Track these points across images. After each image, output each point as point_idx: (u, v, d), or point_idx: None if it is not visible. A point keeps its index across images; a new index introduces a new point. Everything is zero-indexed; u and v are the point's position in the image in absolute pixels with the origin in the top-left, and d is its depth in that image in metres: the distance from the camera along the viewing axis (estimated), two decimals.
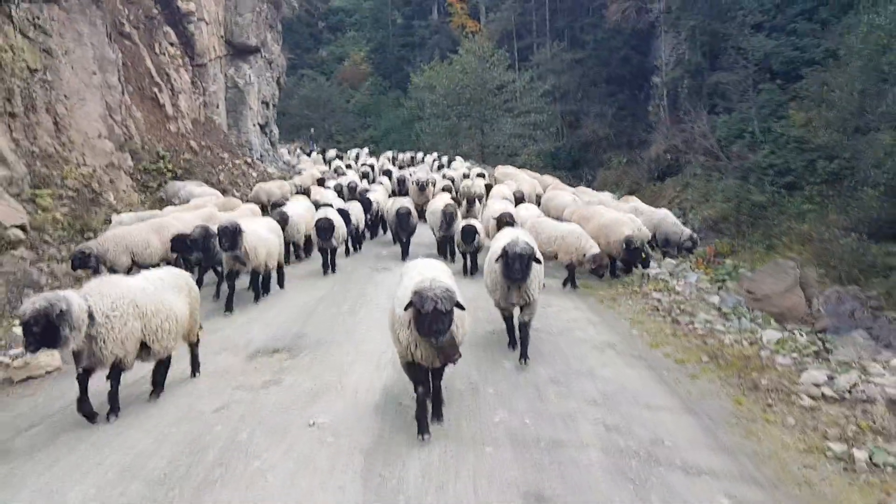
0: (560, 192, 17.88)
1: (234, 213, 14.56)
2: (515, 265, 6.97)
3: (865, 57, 25.75)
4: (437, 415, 5.93)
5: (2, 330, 9.59)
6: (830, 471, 5.06)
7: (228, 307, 9.90)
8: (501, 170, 24.24)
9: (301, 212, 14.56)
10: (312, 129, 43.93)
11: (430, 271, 6.02)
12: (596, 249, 11.15)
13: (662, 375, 7.00)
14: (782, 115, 33.50)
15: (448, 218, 13.77)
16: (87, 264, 11.11)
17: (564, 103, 44.00)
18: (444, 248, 14.33)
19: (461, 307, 5.47)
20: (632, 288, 11.18)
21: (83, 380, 5.93)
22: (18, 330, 9.63)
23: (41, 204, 14.17)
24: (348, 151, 34.99)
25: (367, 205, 17.10)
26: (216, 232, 10.12)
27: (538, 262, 7.21)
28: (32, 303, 5.60)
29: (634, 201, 17.25)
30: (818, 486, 4.83)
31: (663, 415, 6.00)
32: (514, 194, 18.11)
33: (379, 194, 19.01)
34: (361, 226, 16.14)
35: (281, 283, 11.66)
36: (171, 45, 23.43)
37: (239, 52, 27.13)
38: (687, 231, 14.30)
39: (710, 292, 11.30)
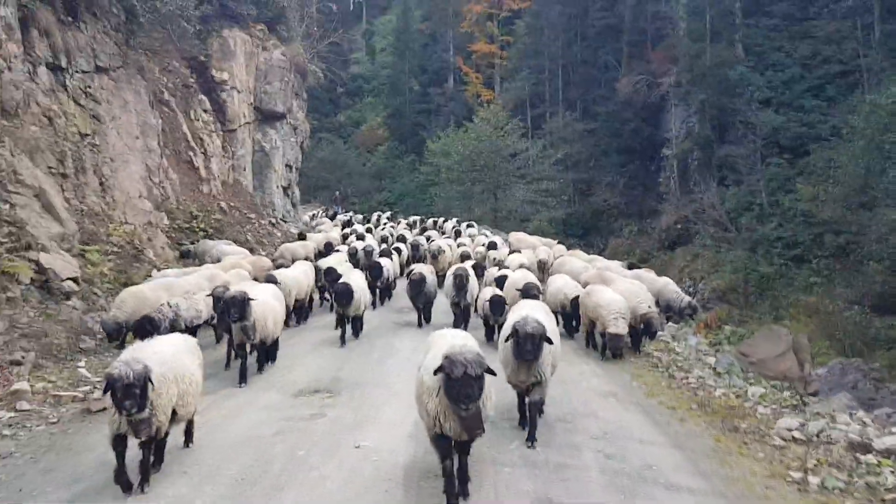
0: (572, 258, 19.21)
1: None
2: (527, 345, 6.96)
3: (867, 136, 27.38)
4: (464, 493, 5.90)
5: (67, 371, 10.94)
6: (787, 490, 6.31)
7: (242, 378, 9.81)
8: (515, 235, 25.73)
9: (295, 275, 14.76)
10: (338, 192, 45.89)
11: (459, 339, 6.12)
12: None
13: (655, 418, 8.28)
14: (790, 188, 35.03)
15: (458, 282, 13.38)
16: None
17: (576, 172, 45.90)
18: (458, 318, 13.62)
19: (492, 372, 5.59)
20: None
21: (123, 450, 5.96)
22: (83, 370, 11.03)
23: (90, 259, 15.73)
24: (373, 215, 36.61)
25: (377, 272, 16.80)
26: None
27: (549, 342, 7.18)
28: (128, 364, 5.75)
29: (637, 270, 18.53)
30: (774, 501, 6.08)
31: (653, 448, 7.27)
32: (537, 262, 19.44)
33: (390, 260, 18.73)
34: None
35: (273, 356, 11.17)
36: (205, 111, 25.46)
37: (266, 118, 29.23)
38: (686, 298, 15.57)
39: (707, 353, 12.59)
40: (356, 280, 13.59)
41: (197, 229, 20.88)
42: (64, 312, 13.50)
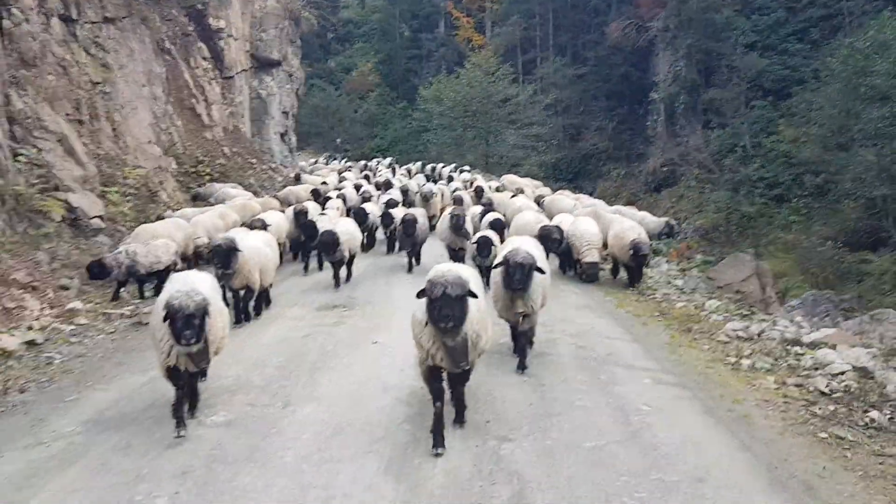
0: (561, 197, 20.69)
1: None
2: (516, 275, 7.10)
3: (844, 79, 28.62)
4: (460, 420, 6.18)
5: (108, 294, 12.41)
6: (723, 370, 7.93)
7: (238, 319, 9.83)
8: (507, 178, 27.14)
9: (278, 220, 15.11)
10: (339, 139, 46.88)
11: (446, 266, 6.03)
12: None
13: (622, 322, 9.91)
14: (772, 131, 36.37)
15: (455, 222, 13.12)
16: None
17: (566, 116, 47.00)
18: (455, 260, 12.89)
19: (473, 295, 5.61)
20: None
21: (187, 382, 6.23)
22: (123, 294, 12.51)
23: (111, 199, 17.10)
24: (373, 161, 37.54)
25: (362, 217, 16.58)
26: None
27: (540, 271, 7.38)
28: (188, 295, 5.83)
29: (619, 207, 20.05)
30: (711, 376, 7.70)
31: (617, 342, 8.89)
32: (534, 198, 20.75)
33: (375, 206, 18.73)
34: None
35: (265, 304, 10.99)
36: (204, 59, 26.45)
37: (262, 65, 30.22)
38: (664, 220, 17.12)
39: (676, 277, 14.19)
40: (344, 226, 13.43)
41: (203, 173, 22.19)
42: (94, 248, 14.96)
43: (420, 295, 5.61)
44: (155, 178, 19.89)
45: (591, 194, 38.77)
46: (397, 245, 16.64)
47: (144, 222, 17.17)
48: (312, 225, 14.52)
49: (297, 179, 27.16)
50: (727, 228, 34.44)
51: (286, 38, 31.63)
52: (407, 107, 55.26)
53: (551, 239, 11.70)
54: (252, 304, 10.33)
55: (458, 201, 20.11)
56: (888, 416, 6.43)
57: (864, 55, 28.25)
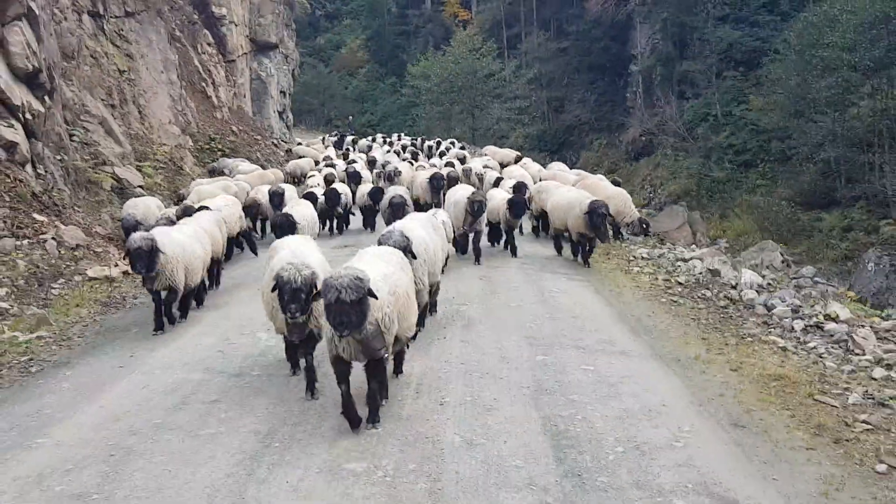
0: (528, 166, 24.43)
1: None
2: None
3: (799, 51, 32.34)
4: (372, 419, 6.04)
5: None
6: (619, 273, 11.78)
7: (159, 326, 9.54)
8: (489, 149, 30.91)
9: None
10: (350, 117, 50.24)
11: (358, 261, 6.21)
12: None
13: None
14: (742, 100, 40.07)
15: (476, 208, 12.54)
16: None
17: (550, 90, 50.60)
18: (465, 247, 13.41)
19: (373, 295, 5.42)
20: None
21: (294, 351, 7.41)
22: None
23: (146, 172, 20.83)
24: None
25: (334, 198, 17.29)
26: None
27: (413, 256, 7.70)
28: (297, 269, 6.19)
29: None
30: (608, 276, 11.54)
31: (551, 261, 12.75)
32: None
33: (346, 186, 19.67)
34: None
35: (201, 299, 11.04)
36: (209, 45, 30.05)
37: (261, 48, 33.83)
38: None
39: None
40: (300, 210, 13.78)
41: (216, 149, 25.91)
42: None
43: (315, 297, 5.68)
44: (177, 154, 23.64)
45: (574, 163, 42.60)
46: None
47: (175, 191, 21.01)
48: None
49: (289, 154, 30.85)
50: (698, 193, 38.27)
51: (282, 22, 35.22)
52: (396, 82, 58.81)
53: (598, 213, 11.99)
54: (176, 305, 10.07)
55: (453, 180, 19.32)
56: (714, 293, 10.36)
57: (817, 29, 31.96)
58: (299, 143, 35.74)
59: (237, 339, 8.98)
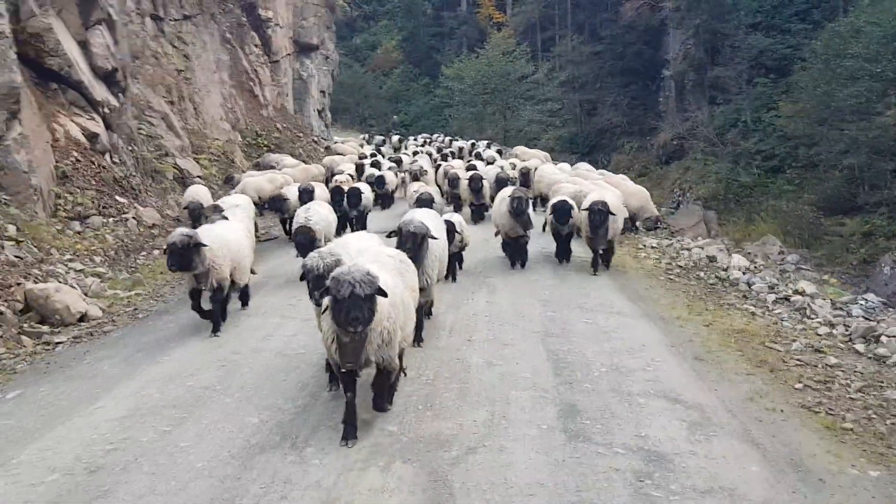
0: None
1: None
2: (407, 244, 7.84)
3: (824, 60, 33.90)
4: (381, 406, 6.55)
5: None
6: (627, 258, 13.76)
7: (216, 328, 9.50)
8: (519, 149, 32.89)
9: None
10: (395, 115, 52.55)
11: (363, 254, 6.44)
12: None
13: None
14: (772, 106, 41.58)
15: (518, 206, 12.09)
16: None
17: (583, 92, 52.39)
18: (514, 256, 12.99)
19: (383, 293, 5.55)
20: None
21: None
22: None
23: (202, 164, 23.19)
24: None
25: (355, 199, 16.96)
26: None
27: (434, 237, 8.21)
28: (321, 256, 6.82)
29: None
30: (618, 260, 13.53)
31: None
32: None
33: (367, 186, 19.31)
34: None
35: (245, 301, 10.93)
36: (256, 46, 32.47)
37: (303, 49, 36.22)
38: None
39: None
40: (318, 215, 12.49)
41: (262, 145, 28.26)
42: None
43: (324, 294, 5.59)
44: (228, 148, 26.00)
45: (606, 166, 44.39)
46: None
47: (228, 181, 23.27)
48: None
49: (328, 150, 33.07)
50: (726, 197, 39.90)
51: (323, 25, 37.60)
52: (429, 83, 61.06)
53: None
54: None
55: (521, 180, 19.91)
56: (707, 273, 12.32)
57: (843, 39, 33.52)
58: (336, 141, 38.07)
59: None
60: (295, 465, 5.64)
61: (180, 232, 9.11)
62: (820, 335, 9.01)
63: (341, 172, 23.29)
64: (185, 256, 8.90)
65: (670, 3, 48.34)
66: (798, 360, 8.09)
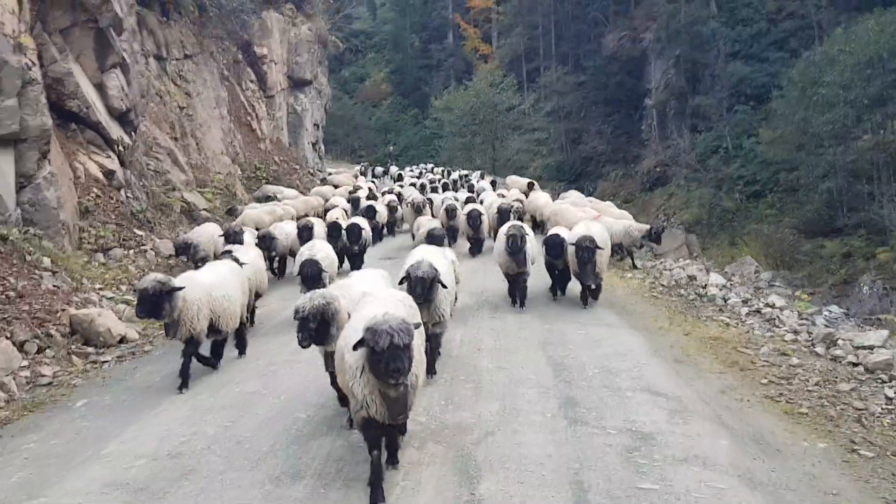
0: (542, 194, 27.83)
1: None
2: (417, 288, 7.92)
3: (800, 88, 35.70)
4: (393, 461, 6.46)
5: None
6: (615, 278, 15.11)
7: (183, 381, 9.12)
8: (510, 178, 34.39)
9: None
10: (392, 146, 54.14)
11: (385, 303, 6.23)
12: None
13: None
14: (752, 133, 43.38)
15: (513, 244, 12.02)
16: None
17: (568, 122, 54.16)
18: (514, 292, 12.95)
19: (418, 326, 5.75)
20: None
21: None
22: None
23: (207, 197, 24.46)
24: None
25: (355, 234, 16.74)
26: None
27: (443, 285, 8.29)
28: (310, 299, 6.92)
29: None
30: (607, 282, 14.88)
31: None
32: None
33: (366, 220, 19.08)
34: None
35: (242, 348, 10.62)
36: (252, 82, 33.94)
37: (297, 84, 37.73)
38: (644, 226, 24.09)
39: None
40: (323, 251, 12.28)
41: (261, 177, 29.60)
42: None
43: (358, 346, 5.38)
44: (229, 181, 27.31)
45: (591, 193, 46.02)
46: None
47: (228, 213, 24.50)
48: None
49: (324, 182, 34.50)
50: (709, 222, 41.49)
51: (316, 60, 39.18)
52: (418, 114, 62.84)
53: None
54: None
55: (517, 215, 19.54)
56: (687, 291, 13.70)
57: (818, 67, 35.37)
58: (330, 173, 39.47)
59: None
60: (344, 449, 6.90)
61: (152, 277, 8.80)
62: (786, 341, 10.35)
63: (334, 207, 23.81)
64: (155, 304, 8.62)
65: (651, 35, 50.45)
66: (765, 361, 9.42)
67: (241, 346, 10.61)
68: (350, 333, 5.87)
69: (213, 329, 9.46)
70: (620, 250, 16.58)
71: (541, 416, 7.54)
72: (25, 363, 10.34)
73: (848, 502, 5.85)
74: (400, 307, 6.33)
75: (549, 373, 8.96)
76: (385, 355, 5.16)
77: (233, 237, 15.24)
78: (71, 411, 8.70)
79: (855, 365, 9.14)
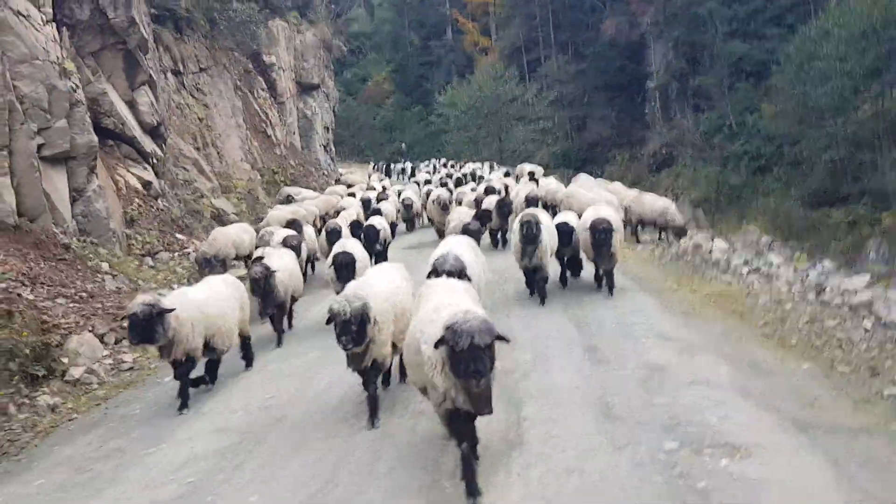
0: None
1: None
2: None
3: (797, 63, 36.94)
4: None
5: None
6: (627, 250, 16.55)
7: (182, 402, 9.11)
8: (521, 167, 35.78)
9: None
10: (403, 144, 55.63)
11: (456, 297, 6.28)
12: None
13: None
14: (754, 109, 44.56)
15: (529, 231, 11.72)
16: None
17: (571, 109, 55.44)
18: (533, 288, 12.77)
19: (504, 339, 5.47)
20: None
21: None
22: None
23: (232, 202, 26.02)
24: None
25: (372, 235, 16.36)
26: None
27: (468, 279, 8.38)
28: (347, 300, 7.00)
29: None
30: (633, 258, 16.33)
31: None
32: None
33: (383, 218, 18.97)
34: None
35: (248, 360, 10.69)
36: (263, 90, 35.47)
37: (305, 89, 39.28)
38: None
39: None
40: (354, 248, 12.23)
41: (279, 181, 31.13)
42: None
43: (438, 345, 5.36)
44: (251, 187, 28.85)
45: (599, 178, 47.32)
46: None
47: (259, 219, 26.01)
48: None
49: (338, 182, 36.03)
50: (717, 199, 42.80)
51: (322, 65, 40.76)
52: (422, 110, 64.31)
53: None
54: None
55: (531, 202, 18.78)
56: (694, 257, 15.12)
57: (814, 41, 36.60)
58: (342, 173, 41.01)
59: None
60: (395, 420, 7.96)
61: (141, 301, 8.37)
62: (782, 292, 11.77)
63: (344, 209, 23.72)
64: (147, 328, 8.26)
65: (648, 18, 51.73)
66: (762, 308, 10.85)
67: (248, 360, 10.67)
68: (425, 328, 5.90)
69: (207, 347, 9.30)
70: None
71: (568, 360, 9.02)
72: (107, 352, 11.88)
73: (824, 404, 7.28)
74: (465, 297, 6.47)
75: (572, 329, 10.43)
76: (465, 355, 5.13)
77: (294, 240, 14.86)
78: (161, 385, 10.23)
79: (840, 307, 10.55)
